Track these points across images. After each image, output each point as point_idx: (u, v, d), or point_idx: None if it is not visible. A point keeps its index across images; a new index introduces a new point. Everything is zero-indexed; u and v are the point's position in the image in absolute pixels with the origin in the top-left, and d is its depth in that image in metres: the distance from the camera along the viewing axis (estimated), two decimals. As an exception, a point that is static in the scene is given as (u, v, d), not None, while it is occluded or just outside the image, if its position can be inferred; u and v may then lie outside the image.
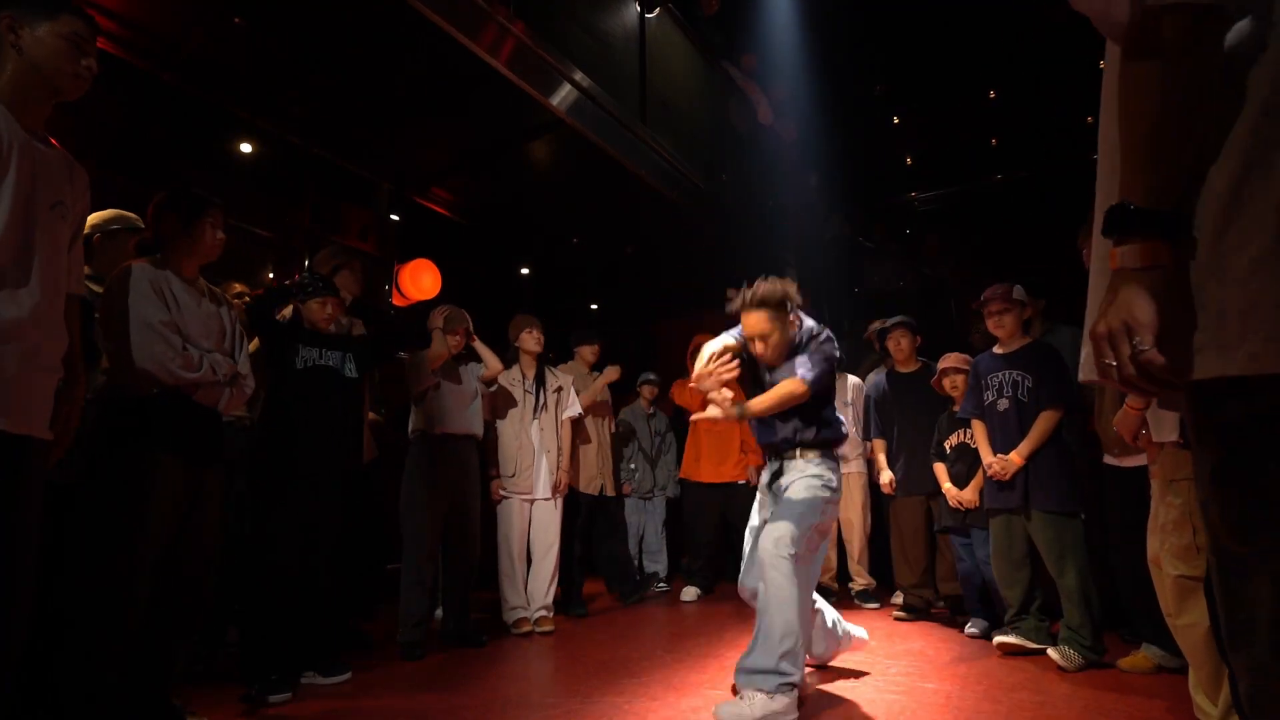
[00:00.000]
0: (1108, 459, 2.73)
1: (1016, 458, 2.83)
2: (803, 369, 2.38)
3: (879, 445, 3.97)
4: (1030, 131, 6.25)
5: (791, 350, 2.47)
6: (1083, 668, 2.57)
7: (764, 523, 2.40)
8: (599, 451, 4.16)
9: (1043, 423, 2.83)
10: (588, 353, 4.31)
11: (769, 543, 2.22)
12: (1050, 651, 2.62)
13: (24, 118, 1.51)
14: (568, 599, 3.91)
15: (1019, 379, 2.93)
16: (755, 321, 2.40)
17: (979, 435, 3.05)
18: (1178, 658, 2.53)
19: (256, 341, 2.72)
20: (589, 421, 4.14)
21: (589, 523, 4.16)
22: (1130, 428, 1.95)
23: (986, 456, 2.97)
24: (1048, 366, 2.91)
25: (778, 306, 2.39)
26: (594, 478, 4.09)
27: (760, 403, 2.34)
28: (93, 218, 2.40)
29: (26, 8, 1.52)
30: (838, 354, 2.47)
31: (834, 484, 2.40)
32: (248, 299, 3.12)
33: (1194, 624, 1.72)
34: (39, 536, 1.52)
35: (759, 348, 2.43)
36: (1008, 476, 2.85)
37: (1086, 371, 0.84)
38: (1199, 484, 0.80)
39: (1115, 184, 0.82)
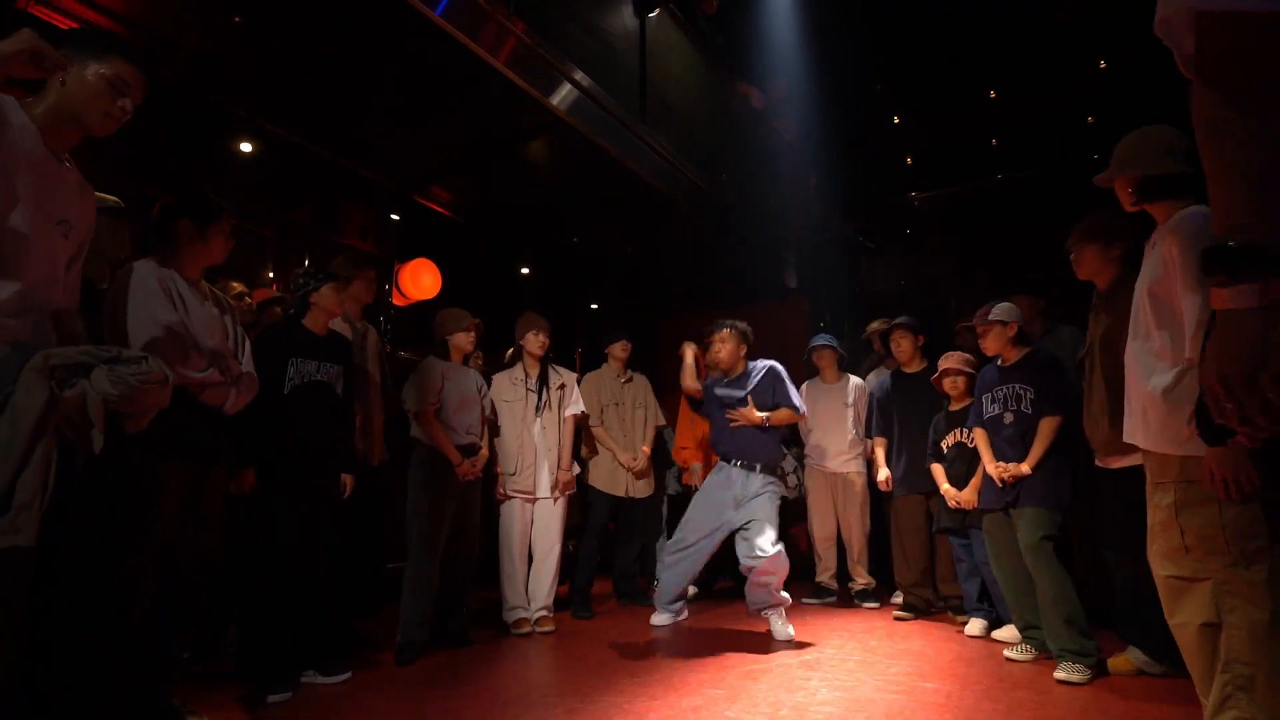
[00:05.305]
0: (1098, 461, 2.74)
1: (1025, 467, 2.84)
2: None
3: (879, 443, 3.98)
4: (1031, 131, 6.25)
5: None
6: (1091, 679, 2.54)
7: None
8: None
9: (1045, 429, 2.85)
10: (619, 349, 4.23)
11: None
12: (1056, 673, 2.58)
13: (51, 140, 1.55)
14: (573, 598, 3.92)
15: (1021, 392, 2.95)
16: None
17: (981, 443, 3.07)
18: (1160, 664, 2.54)
19: None
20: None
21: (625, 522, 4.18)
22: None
23: (990, 465, 2.98)
24: (1047, 377, 2.93)
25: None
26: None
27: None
28: None
29: (81, 47, 1.57)
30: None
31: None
32: (248, 300, 3.11)
33: (1185, 623, 1.70)
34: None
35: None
36: (1011, 482, 2.87)
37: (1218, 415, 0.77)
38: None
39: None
